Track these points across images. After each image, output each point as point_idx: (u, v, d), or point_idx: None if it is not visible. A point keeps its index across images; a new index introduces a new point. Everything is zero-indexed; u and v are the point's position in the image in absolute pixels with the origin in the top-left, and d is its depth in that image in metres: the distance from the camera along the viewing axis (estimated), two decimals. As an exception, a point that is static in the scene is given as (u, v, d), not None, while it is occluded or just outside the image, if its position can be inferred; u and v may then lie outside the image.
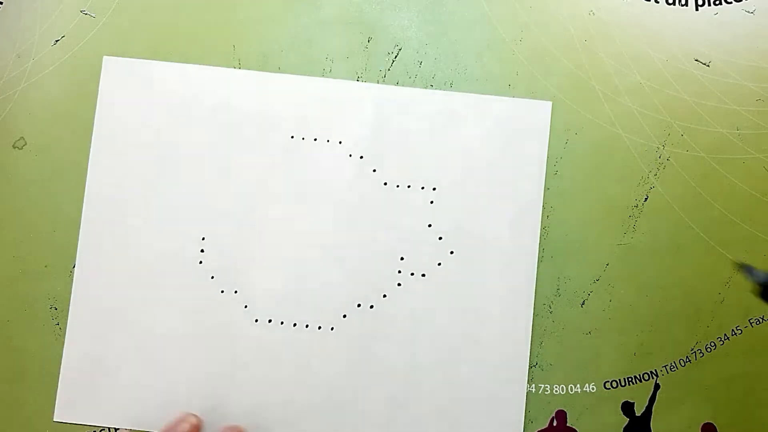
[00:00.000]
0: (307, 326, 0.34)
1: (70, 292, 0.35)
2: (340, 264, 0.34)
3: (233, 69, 0.35)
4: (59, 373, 0.34)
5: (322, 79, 0.35)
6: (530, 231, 0.34)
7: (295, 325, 0.34)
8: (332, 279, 0.34)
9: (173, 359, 0.34)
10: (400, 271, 0.34)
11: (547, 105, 0.35)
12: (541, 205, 0.34)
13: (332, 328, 0.34)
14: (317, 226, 0.35)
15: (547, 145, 0.35)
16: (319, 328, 0.34)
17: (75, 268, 0.35)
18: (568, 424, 0.34)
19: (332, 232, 0.35)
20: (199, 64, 0.36)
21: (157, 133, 0.35)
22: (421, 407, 0.34)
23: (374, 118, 0.35)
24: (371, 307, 0.34)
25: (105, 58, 0.35)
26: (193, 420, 0.33)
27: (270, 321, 0.34)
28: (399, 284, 0.34)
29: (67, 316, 0.35)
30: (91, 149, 0.35)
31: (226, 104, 0.35)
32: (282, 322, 0.34)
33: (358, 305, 0.34)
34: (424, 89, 0.35)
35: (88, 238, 0.35)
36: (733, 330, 0.34)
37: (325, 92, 0.35)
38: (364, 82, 0.35)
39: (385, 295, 0.34)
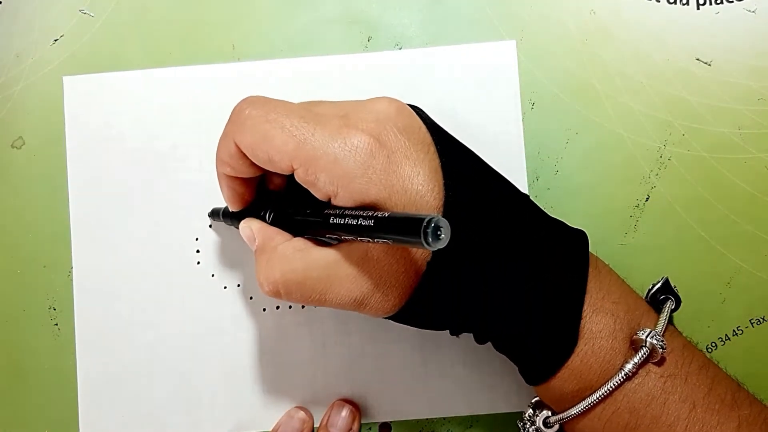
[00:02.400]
0: (315, 305, 0.35)
1: (69, 293, 0.35)
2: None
3: (205, 65, 0.35)
4: (76, 388, 0.34)
5: (292, 59, 0.35)
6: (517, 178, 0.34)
7: (303, 306, 0.35)
8: None
9: (190, 361, 0.35)
10: None
11: (512, 44, 0.35)
12: (523, 146, 0.34)
13: None
14: None
15: (518, 83, 0.35)
16: None
17: (73, 280, 0.35)
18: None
19: None
20: (200, 64, 0.35)
21: (133, 140, 0.35)
22: (442, 359, 0.34)
23: (351, 92, 0.35)
24: None
25: (64, 78, 0.35)
26: (302, 415, 0.34)
27: (278, 308, 0.35)
28: None
29: (66, 316, 0.35)
30: (68, 168, 0.35)
31: (204, 101, 0.35)
32: (290, 307, 0.35)
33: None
34: (388, 51, 0.35)
35: (81, 250, 0.35)
36: (734, 330, 0.34)
37: (298, 72, 0.35)
38: (329, 56, 0.35)
39: None
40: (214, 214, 0.34)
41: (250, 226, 0.29)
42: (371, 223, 0.23)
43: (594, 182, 0.35)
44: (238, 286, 0.35)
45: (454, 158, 0.26)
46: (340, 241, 0.26)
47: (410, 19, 0.36)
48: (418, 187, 0.25)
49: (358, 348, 0.35)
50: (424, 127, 0.26)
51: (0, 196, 0.35)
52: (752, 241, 0.34)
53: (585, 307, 0.27)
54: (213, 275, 0.35)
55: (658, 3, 0.35)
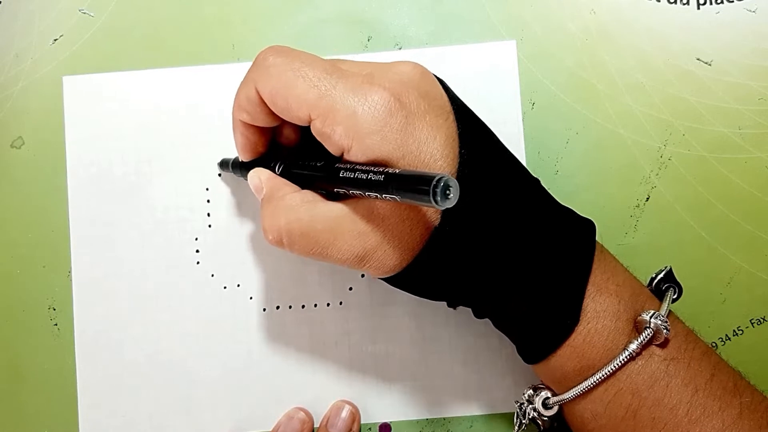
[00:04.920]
0: (315, 305, 0.35)
1: (68, 293, 0.35)
2: None
3: (205, 65, 0.35)
4: (76, 388, 0.34)
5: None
6: None
7: (303, 306, 0.35)
8: None
9: (190, 361, 0.35)
10: None
11: (512, 44, 0.35)
12: (523, 146, 0.34)
13: (341, 303, 0.35)
14: None
15: (518, 83, 0.35)
16: (328, 305, 0.35)
17: (73, 280, 0.35)
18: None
19: None
20: (200, 64, 0.35)
21: (133, 140, 0.35)
22: (442, 359, 0.34)
23: None
24: None
25: (64, 78, 0.35)
26: (302, 416, 0.34)
27: (278, 308, 0.35)
28: None
29: (65, 316, 0.35)
30: (68, 169, 0.35)
31: (204, 101, 0.35)
32: (290, 306, 0.35)
33: (362, 275, 0.35)
34: (387, 51, 0.35)
35: (80, 250, 0.35)
36: (734, 330, 0.34)
37: None
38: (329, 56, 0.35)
39: None
40: (224, 164, 0.34)
41: (259, 176, 0.29)
42: (381, 178, 0.23)
43: (594, 182, 0.35)
44: (238, 286, 0.35)
45: (472, 131, 0.27)
46: (349, 197, 0.26)
47: (410, 19, 0.36)
48: (432, 151, 0.25)
49: (358, 348, 0.35)
50: (445, 96, 0.27)
51: (0, 196, 0.35)
52: (752, 241, 0.34)
53: (589, 287, 0.27)
54: (213, 275, 0.35)
55: (658, 3, 0.35)
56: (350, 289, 0.35)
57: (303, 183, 0.28)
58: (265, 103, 0.27)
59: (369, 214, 0.25)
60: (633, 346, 0.26)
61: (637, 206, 0.34)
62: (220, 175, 0.35)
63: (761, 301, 0.34)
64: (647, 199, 0.34)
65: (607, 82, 0.35)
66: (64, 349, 0.35)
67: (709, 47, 0.35)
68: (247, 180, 0.30)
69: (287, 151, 0.31)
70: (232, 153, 0.35)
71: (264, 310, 0.35)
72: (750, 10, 0.35)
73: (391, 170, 0.23)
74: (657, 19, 0.35)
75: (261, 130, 0.29)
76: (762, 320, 0.34)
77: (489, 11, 0.35)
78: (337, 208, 0.26)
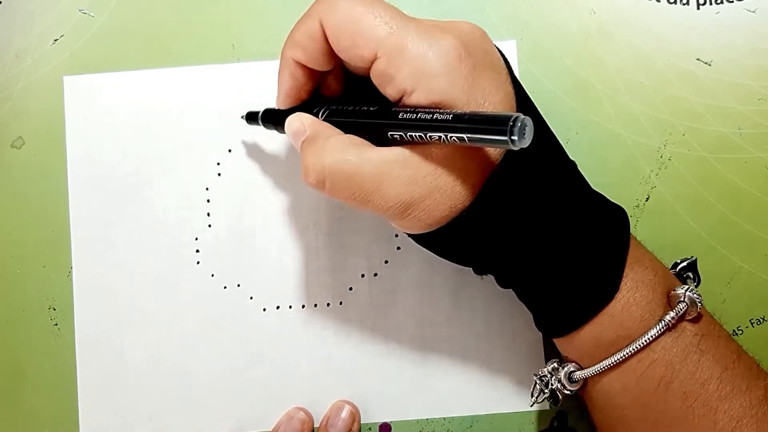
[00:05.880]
0: (315, 305, 0.35)
1: (69, 293, 0.35)
2: (338, 239, 0.35)
3: (205, 65, 0.35)
4: (76, 388, 0.34)
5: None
6: None
7: (303, 306, 0.35)
8: (332, 255, 0.35)
9: (190, 361, 0.35)
10: (396, 236, 0.35)
11: (512, 44, 0.35)
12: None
13: (341, 303, 0.35)
14: (310, 205, 0.35)
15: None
16: (328, 305, 0.35)
17: (73, 280, 0.35)
18: (569, 425, 0.34)
19: (325, 209, 0.35)
20: (200, 64, 0.35)
21: (133, 140, 0.35)
22: (441, 359, 0.34)
23: None
24: (375, 275, 0.35)
25: (64, 78, 0.35)
26: (302, 416, 0.34)
27: (278, 307, 0.35)
28: (398, 248, 0.35)
29: (66, 316, 0.35)
30: (68, 168, 0.35)
31: (204, 101, 0.35)
32: (290, 306, 0.35)
33: (362, 275, 0.35)
34: None
35: (80, 250, 0.35)
36: (734, 330, 0.34)
37: None
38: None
39: (386, 261, 0.35)
40: (251, 116, 0.32)
41: (301, 119, 0.28)
42: (449, 117, 0.23)
43: (594, 182, 0.34)
44: (238, 286, 0.35)
45: (523, 98, 0.27)
46: (401, 143, 0.25)
47: (410, 19, 0.35)
48: (495, 104, 0.25)
49: (358, 348, 0.35)
50: (502, 60, 0.27)
51: (0, 196, 0.35)
52: (752, 241, 0.34)
53: (628, 258, 0.27)
54: (213, 275, 0.35)
55: (658, 3, 0.35)
56: (350, 289, 0.35)
57: (348, 131, 0.27)
58: (326, 40, 0.26)
59: (422, 161, 0.25)
60: (669, 317, 0.26)
61: (637, 206, 0.34)
62: (219, 173, 0.35)
63: (761, 301, 0.34)
64: (647, 199, 0.34)
65: (607, 82, 0.35)
66: (64, 349, 0.35)
67: (709, 47, 0.35)
68: (280, 131, 0.29)
69: (329, 101, 0.29)
70: (233, 152, 0.35)
71: (264, 310, 0.35)
72: (750, 10, 0.35)
73: (459, 111, 0.23)
74: (657, 19, 0.35)
75: (311, 73, 0.28)
76: (762, 320, 0.34)
77: (489, 11, 0.35)
78: (389, 152, 0.25)
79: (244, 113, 0.33)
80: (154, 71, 0.35)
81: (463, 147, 0.24)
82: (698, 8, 0.35)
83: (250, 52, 0.35)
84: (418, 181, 0.25)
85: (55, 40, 0.36)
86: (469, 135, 0.22)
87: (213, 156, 0.35)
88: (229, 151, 0.35)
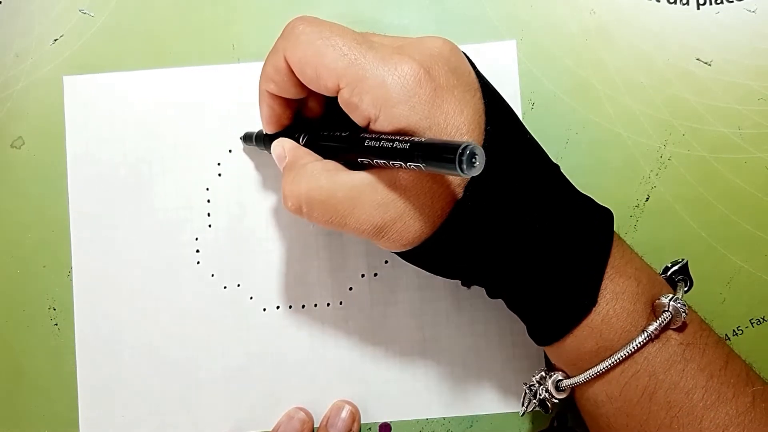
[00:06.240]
0: (315, 305, 0.35)
1: (69, 293, 0.35)
2: (338, 239, 0.35)
3: (205, 65, 0.35)
4: (76, 388, 0.34)
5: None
6: None
7: (303, 306, 0.35)
8: (332, 255, 0.35)
9: (190, 361, 0.35)
10: None
11: (512, 44, 0.35)
12: None
13: (341, 303, 0.35)
14: None
15: (518, 83, 0.35)
16: (328, 305, 0.35)
17: (73, 280, 0.35)
18: (569, 425, 0.34)
19: None
20: (200, 64, 0.35)
21: (133, 140, 0.35)
22: (442, 359, 0.34)
23: None
24: (375, 275, 0.35)
25: (64, 78, 0.35)
26: (302, 416, 0.34)
27: (278, 308, 0.35)
28: None
29: (66, 316, 0.35)
30: (68, 168, 0.35)
31: (204, 101, 0.35)
32: (290, 306, 0.35)
33: (362, 275, 0.35)
34: None
35: (80, 250, 0.35)
36: (734, 330, 0.34)
37: None
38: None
39: (386, 261, 0.35)
40: (247, 137, 0.34)
41: (282, 145, 0.29)
42: (406, 146, 0.23)
43: (594, 182, 0.35)
44: (238, 286, 0.35)
45: (497, 109, 0.27)
46: (372, 167, 0.26)
47: (410, 19, 0.36)
48: (459, 124, 0.25)
49: (358, 348, 0.35)
50: (473, 73, 0.27)
51: (0, 196, 0.35)
52: (752, 241, 0.34)
53: (608, 269, 0.27)
54: (213, 275, 0.35)
55: (658, 3, 0.35)
56: (350, 289, 0.35)
57: (326, 154, 0.28)
58: (293, 73, 0.27)
59: (391, 184, 0.25)
60: (652, 328, 0.26)
61: (637, 206, 0.34)
62: (219, 173, 0.35)
63: (761, 301, 0.34)
64: (647, 199, 0.34)
65: (607, 82, 0.35)
66: (64, 349, 0.35)
67: (709, 47, 0.35)
68: (270, 152, 0.30)
69: (311, 122, 0.31)
70: (233, 152, 0.35)
71: (264, 310, 0.35)
72: (750, 10, 0.35)
73: (416, 139, 0.23)
74: (657, 19, 0.35)
75: (287, 102, 0.29)
76: (762, 320, 0.34)
77: (489, 11, 0.35)
78: (358, 177, 0.26)
79: (242, 134, 0.35)
80: (154, 71, 0.35)
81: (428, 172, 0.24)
82: (698, 8, 0.35)
83: (250, 52, 0.35)
84: (388, 205, 0.25)
85: (55, 40, 0.36)
86: (425, 163, 0.22)
87: (213, 156, 0.35)
88: (229, 151, 0.35)
